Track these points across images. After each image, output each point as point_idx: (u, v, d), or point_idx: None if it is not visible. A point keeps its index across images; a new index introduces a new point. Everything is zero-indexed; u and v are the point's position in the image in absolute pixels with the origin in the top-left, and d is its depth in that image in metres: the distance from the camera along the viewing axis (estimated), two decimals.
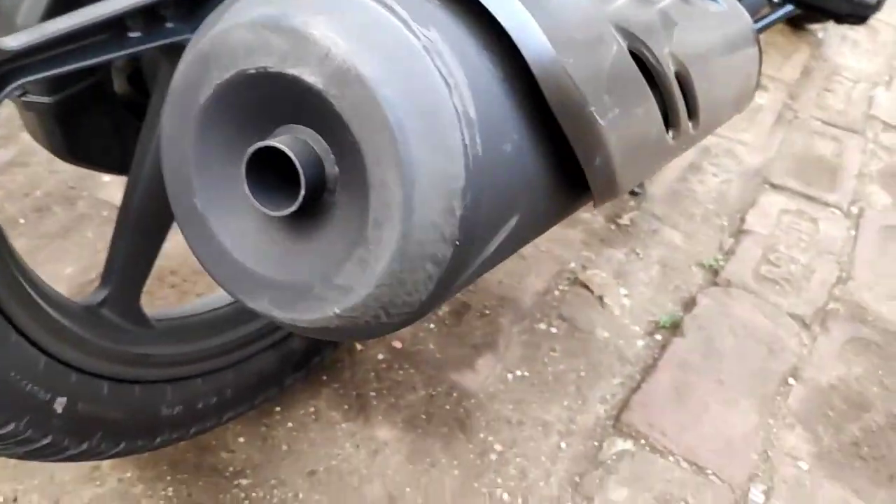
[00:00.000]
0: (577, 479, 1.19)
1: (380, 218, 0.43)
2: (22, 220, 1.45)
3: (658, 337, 1.43)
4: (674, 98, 0.66)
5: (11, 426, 0.78)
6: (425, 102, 0.42)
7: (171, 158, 0.49)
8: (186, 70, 0.46)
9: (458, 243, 0.44)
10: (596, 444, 1.24)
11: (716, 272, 1.58)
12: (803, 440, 1.29)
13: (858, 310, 1.54)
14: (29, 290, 0.79)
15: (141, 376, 0.93)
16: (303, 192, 0.42)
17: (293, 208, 0.43)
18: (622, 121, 0.52)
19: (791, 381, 1.38)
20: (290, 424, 1.20)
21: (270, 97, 0.44)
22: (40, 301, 0.80)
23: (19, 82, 0.71)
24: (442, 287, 0.45)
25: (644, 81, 0.57)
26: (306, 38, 0.43)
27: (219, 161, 0.47)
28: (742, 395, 1.34)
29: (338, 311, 0.45)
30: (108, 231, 1.46)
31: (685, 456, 1.23)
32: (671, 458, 1.22)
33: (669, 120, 0.68)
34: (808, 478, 1.23)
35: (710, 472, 1.22)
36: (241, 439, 1.17)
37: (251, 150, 0.43)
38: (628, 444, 1.24)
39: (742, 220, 1.73)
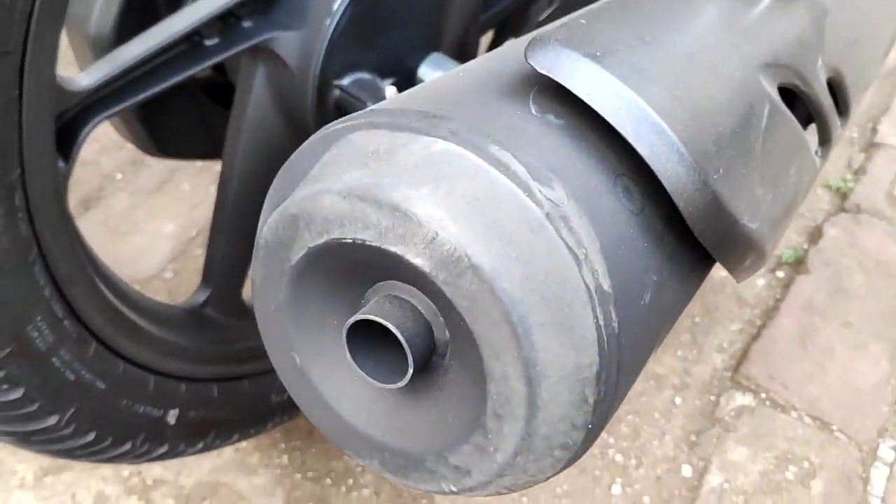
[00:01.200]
0: (693, 437, 1.15)
1: (500, 411, 0.37)
2: (119, 175, 1.44)
3: (780, 274, 1.34)
4: (826, 119, 0.56)
5: (128, 445, 0.79)
6: (551, 289, 0.36)
7: (264, 308, 0.44)
8: (275, 227, 0.40)
9: (590, 427, 0.39)
10: (713, 398, 1.19)
11: (844, 195, 1.45)
12: None
13: None
14: (131, 314, 0.77)
15: (248, 371, 0.93)
16: (410, 370, 0.38)
17: (400, 384, 0.38)
18: (775, 201, 0.44)
19: None
20: None
21: (370, 261, 0.38)
22: (143, 323, 0.79)
23: (99, 119, 0.67)
24: (572, 461, 0.40)
25: (799, 131, 0.48)
26: (409, 218, 0.36)
27: (316, 319, 0.42)
28: (872, 339, 1.25)
29: (454, 489, 0.41)
30: (204, 182, 1.45)
31: (808, 410, 1.17)
32: (793, 414, 1.17)
33: (820, 140, 0.59)
34: None
35: (834, 427, 1.16)
36: None
37: (350, 321, 0.38)
38: (748, 399, 1.18)
39: (874, 130, 1.57)
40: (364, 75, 0.78)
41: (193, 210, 1.39)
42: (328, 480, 1.10)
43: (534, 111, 0.40)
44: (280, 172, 0.43)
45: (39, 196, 0.60)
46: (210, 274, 0.89)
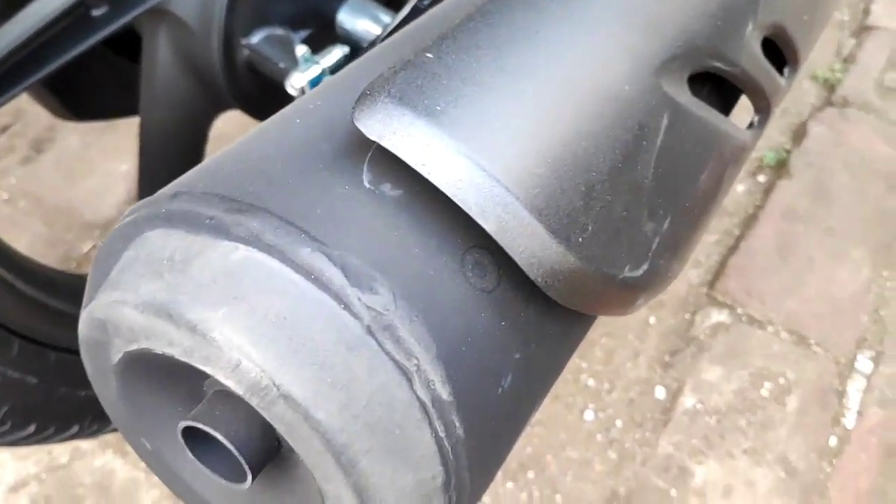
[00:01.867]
0: (667, 357, 1.13)
1: None
2: None
3: (761, 179, 1.28)
4: (760, 87, 0.50)
5: (76, 427, 0.78)
6: (376, 413, 0.31)
7: (103, 397, 0.40)
8: (87, 328, 0.36)
9: None
10: (688, 316, 1.16)
11: (832, 87, 1.37)
12: None
13: None
14: (54, 302, 0.74)
15: None
16: (249, 477, 0.34)
17: (244, 486, 0.35)
18: (676, 224, 0.39)
19: None
20: None
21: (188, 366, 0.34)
22: (70, 308, 0.76)
23: None
24: None
25: (715, 124, 0.42)
26: (209, 342, 0.32)
27: (154, 410, 0.39)
28: (853, 245, 1.21)
29: None
30: None
31: (786, 325, 1.15)
32: (770, 329, 1.14)
33: (756, 108, 0.53)
34: None
35: (812, 341, 1.13)
36: None
37: (181, 426, 0.34)
38: (723, 316, 1.16)
39: (866, 11, 1.47)
40: (275, 30, 0.71)
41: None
42: None
43: (366, 182, 0.34)
44: (93, 263, 0.38)
45: None
46: None
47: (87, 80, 0.83)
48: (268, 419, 0.32)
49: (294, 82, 0.67)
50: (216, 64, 0.70)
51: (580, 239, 0.34)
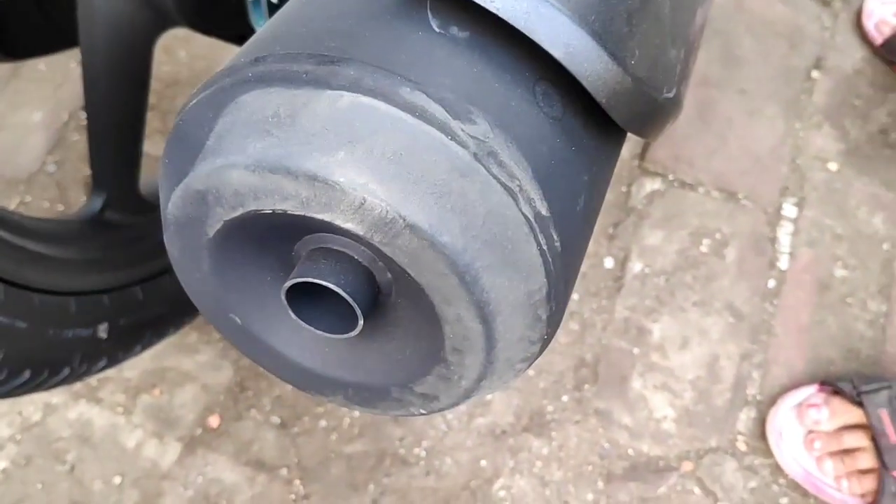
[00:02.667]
0: (610, 230, 1.19)
1: (459, 346, 0.37)
2: None
3: None
4: None
5: (67, 370, 0.78)
6: (492, 230, 0.34)
7: (189, 278, 0.41)
8: (182, 204, 0.36)
9: (546, 337, 0.38)
10: (624, 189, 1.22)
11: None
12: (831, 139, 1.26)
13: None
14: (29, 244, 0.73)
15: (166, 264, 0.90)
16: (360, 322, 0.36)
17: (352, 334, 0.37)
18: (687, 55, 0.42)
19: (815, 74, 1.32)
20: None
21: (295, 222, 0.35)
22: (45, 249, 0.75)
23: None
24: (531, 364, 0.40)
25: None
26: (331, 187, 0.33)
27: (247, 280, 0.39)
28: (766, 102, 1.29)
29: (423, 412, 0.41)
30: (60, 57, 1.32)
31: (715, 184, 1.22)
32: (701, 190, 1.22)
33: None
34: (837, 179, 1.23)
35: (741, 195, 1.21)
36: None
37: (287, 285, 0.36)
38: (657, 184, 1.22)
39: None
40: None
41: (58, 91, 1.28)
42: None
43: (435, 27, 0.36)
44: (169, 141, 0.38)
45: None
46: (101, 176, 0.84)
47: (15, 18, 0.79)
48: (388, 254, 0.34)
49: None
50: None
51: (632, 62, 0.37)
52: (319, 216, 0.34)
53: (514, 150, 0.34)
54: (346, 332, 0.38)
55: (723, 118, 1.27)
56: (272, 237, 0.38)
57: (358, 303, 0.36)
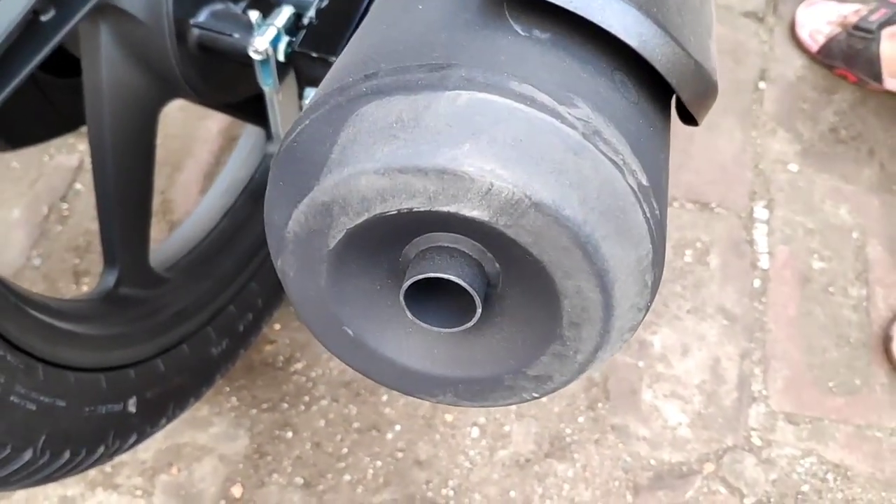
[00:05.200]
0: None
1: (576, 320, 0.39)
2: None
3: None
4: None
5: (102, 448, 0.77)
6: (606, 202, 0.37)
7: (303, 296, 0.43)
8: (304, 219, 0.38)
9: (649, 304, 0.41)
10: None
11: None
12: (787, 142, 1.34)
13: None
14: (60, 324, 0.73)
15: (182, 335, 0.90)
16: (478, 311, 0.38)
17: (469, 325, 0.39)
18: (713, 39, 0.47)
19: (762, 84, 1.40)
20: None
21: (407, 223, 0.38)
22: (73, 327, 0.75)
23: None
24: (637, 329, 0.43)
25: None
26: (460, 177, 0.36)
27: (360, 290, 0.42)
28: (722, 116, 1.36)
29: (536, 395, 0.43)
30: (30, 152, 1.33)
31: (687, 197, 1.27)
32: (676, 204, 1.27)
33: None
34: (800, 178, 1.30)
35: (713, 205, 1.27)
36: (277, 326, 1.17)
37: (410, 282, 0.38)
38: None
39: None
40: (216, 5, 0.73)
41: (35, 186, 1.28)
42: (284, 405, 1.11)
43: (520, 31, 0.40)
44: (281, 164, 0.41)
45: None
46: (112, 252, 0.84)
47: (19, 105, 0.81)
48: (512, 235, 0.37)
49: (258, 46, 0.69)
50: (169, 50, 0.71)
51: (691, 47, 0.40)
52: (446, 208, 0.36)
53: (612, 128, 0.38)
54: (463, 324, 0.40)
55: (683, 135, 1.33)
56: (384, 245, 0.40)
57: (475, 290, 0.38)
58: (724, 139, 1.33)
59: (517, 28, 0.40)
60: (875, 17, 1.37)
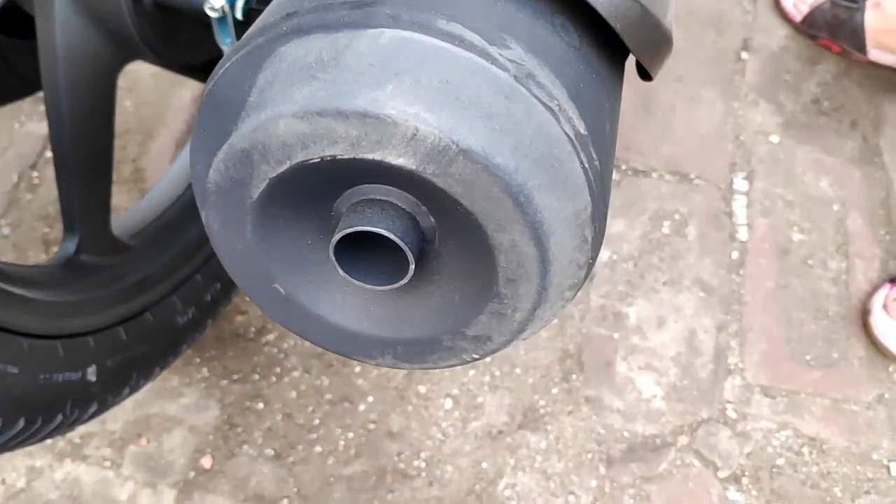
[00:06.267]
0: None
1: (513, 276, 0.38)
2: None
3: None
4: None
5: (59, 417, 0.76)
6: (539, 149, 0.35)
7: (230, 251, 0.41)
8: (224, 168, 0.37)
9: (591, 261, 0.40)
10: None
11: None
12: (769, 113, 1.32)
13: None
14: (15, 289, 0.71)
15: (146, 303, 0.89)
16: (411, 267, 0.37)
17: (403, 282, 0.38)
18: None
19: (744, 55, 1.38)
20: None
21: (335, 173, 0.36)
22: (29, 293, 0.73)
23: None
24: (576, 294, 0.41)
25: None
26: (382, 121, 0.34)
27: (289, 245, 0.40)
28: (703, 86, 1.34)
29: (476, 356, 0.42)
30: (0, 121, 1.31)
31: (667, 168, 1.26)
32: (655, 175, 1.25)
33: None
34: (780, 150, 1.28)
35: (692, 176, 1.25)
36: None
37: (336, 238, 0.36)
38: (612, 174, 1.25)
39: None
40: None
41: (4, 154, 1.26)
42: (255, 376, 1.10)
43: None
44: (203, 109, 0.39)
45: None
46: (72, 219, 0.82)
47: None
48: (441, 185, 0.35)
49: (213, 3, 0.67)
50: (124, 9, 0.69)
51: None
52: (370, 156, 0.35)
53: (548, 72, 0.36)
54: (396, 282, 0.38)
55: (665, 106, 1.32)
56: (313, 196, 0.38)
57: (408, 246, 0.36)
58: (705, 110, 1.31)
59: None
60: None
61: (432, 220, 0.39)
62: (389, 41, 0.35)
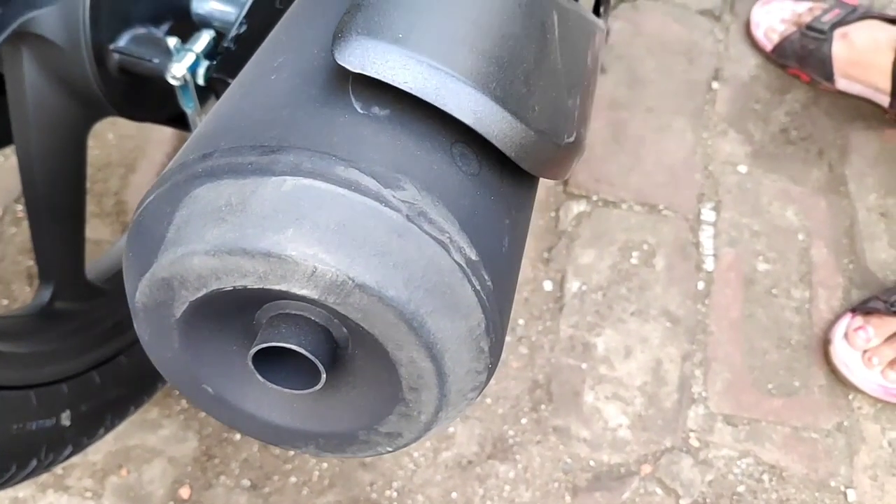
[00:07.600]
0: (545, 254, 1.25)
1: (415, 385, 0.41)
2: None
3: None
4: None
5: (34, 462, 0.79)
6: (431, 280, 0.38)
7: (161, 358, 0.44)
8: (149, 292, 0.40)
9: (490, 366, 0.43)
10: (553, 214, 1.28)
11: None
12: (737, 143, 1.35)
13: None
14: None
15: (119, 347, 0.92)
16: (323, 377, 0.40)
17: (316, 388, 0.41)
18: (583, 99, 0.48)
19: (715, 84, 1.40)
20: None
21: (254, 294, 0.39)
22: (6, 347, 0.76)
23: None
24: (482, 391, 0.44)
25: (588, 16, 0.51)
26: (284, 260, 0.37)
27: (215, 352, 0.43)
28: (673, 116, 1.37)
29: (390, 449, 0.45)
30: None
31: (636, 199, 1.29)
32: (624, 206, 1.28)
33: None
34: (748, 180, 1.31)
35: (661, 207, 1.28)
36: None
37: (253, 351, 0.40)
38: (582, 205, 1.28)
39: None
40: (138, 30, 0.74)
41: None
42: None
43: (359, 108, 0.41)
44: (130, 236, 0.42)
45: None
46: (47, 269, 0.86)
47: None
48: (342, 312, 0.39)
49: (175, 72, 0.70)
50: (90, 75, 0.72)
51: (533, 117, 0.42)
52: (277, 287, 0.38)
53: (441, 207, 0.39)
54: (311, 387, 0.42)
55: (635, 137, 1.35)
56: (234, 311, 0.42)
57: (319, 359, 0.40)
58: (674, 141, 1.34)
59: (357, 105, 0.41)
60: (828, 18, 1.37)
61: (345, 330, 0.42)
62: (291, 188, 0.38)
